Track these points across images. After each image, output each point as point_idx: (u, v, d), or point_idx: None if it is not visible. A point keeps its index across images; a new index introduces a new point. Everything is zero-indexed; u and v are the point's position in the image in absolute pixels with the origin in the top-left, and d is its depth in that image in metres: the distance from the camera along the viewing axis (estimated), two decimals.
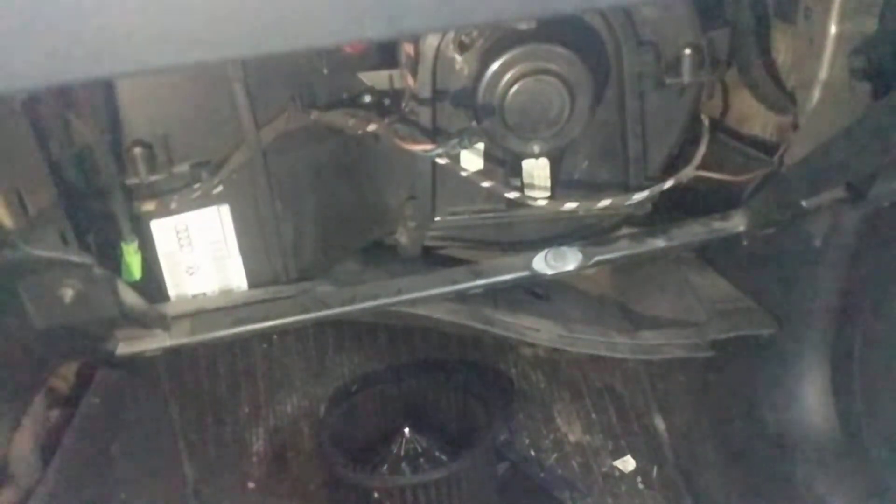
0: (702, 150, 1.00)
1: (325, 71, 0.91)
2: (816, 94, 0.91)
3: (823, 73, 0.89)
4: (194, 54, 0.38)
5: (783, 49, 1.01)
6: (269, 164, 0.91)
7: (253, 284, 0.98)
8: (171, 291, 0.95)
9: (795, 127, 1.00)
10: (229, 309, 0.94)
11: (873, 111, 0.82)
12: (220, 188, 0.90)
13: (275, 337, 1.37)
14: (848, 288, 1.03)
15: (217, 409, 1.27)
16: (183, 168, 0.88)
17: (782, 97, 1.02)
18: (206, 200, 0.91)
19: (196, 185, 0.89)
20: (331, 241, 1.01)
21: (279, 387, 1.34)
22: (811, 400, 1.10)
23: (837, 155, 0.87)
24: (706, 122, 1.03)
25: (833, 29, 0.85)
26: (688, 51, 0.92)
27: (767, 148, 1.06)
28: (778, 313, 1.10)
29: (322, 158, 0.96)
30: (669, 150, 1.01)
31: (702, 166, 1.00)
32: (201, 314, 0.93)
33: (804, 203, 0.90)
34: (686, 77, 0.92)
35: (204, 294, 0.97)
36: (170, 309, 0.94)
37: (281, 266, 0.98)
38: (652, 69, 0.93)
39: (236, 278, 0.97)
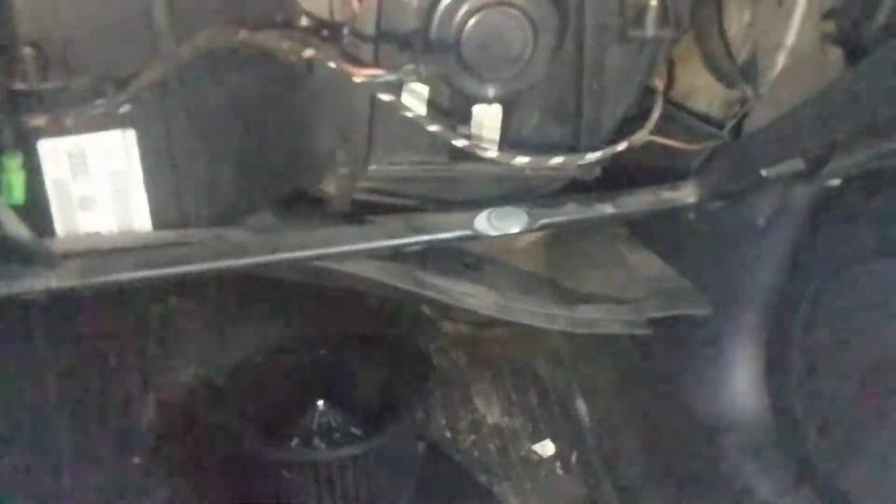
0: (656, 113, 0.95)
1: None
2: (781, 60, 0.87)
3: (791, 38, 0.85)
4: None
5: (736, 20, 0.97)
6: (186, 86, 0.79)
7: (158, 226, 0.85)
8: (59, 227, 0.82)
9: (743, 102, 0.97)
10: (129, 250, 0.82)
11: (845, 78, 0.79)
12: (126, 108, 0.77)
13: (171, 300, 1.24)
14: (790, 271, 1.01)
15: (101, 372, 1.13)
16: (83, 79, 0.75)
17: (734, 69, 0.98)
18: (108, 121, 0.78)
19: (98, 101, 0.76)
20: (251, 184, 0.90)
21: (173, 353, 1.21)
22: (743, 386, 1.08)
23: (802, 123, 0.83)
24: (660, 87, 0.98)
25: None
26: (653, 2, 0.86)
27: (713, 122, 1.02)
28: (714, 295, 1.07)
29: (247, 88, 0.84)
30: (623, 112, 0.95)
31: (654, 132, 0.95)
32: (95, 254, 0.80)
33: (764, 172, 0.86)
34: (650, 31, 0.86)
35: (98, 233, 0.83)
36: (56, 245, 0.80)
37: (192, 207, 0.86)
38: (615, 20, 0.87)
39: (139, 217, 0.84)
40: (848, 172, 0.86)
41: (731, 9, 0.97)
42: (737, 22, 0.97)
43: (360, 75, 0.75)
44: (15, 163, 0.72)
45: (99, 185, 0.81)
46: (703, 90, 1.05)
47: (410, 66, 0.75)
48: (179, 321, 1.23)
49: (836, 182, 0.91)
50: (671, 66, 1.05)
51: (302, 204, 0.98)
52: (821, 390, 0.97)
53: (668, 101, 1.05)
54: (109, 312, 1.13)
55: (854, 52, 0.81)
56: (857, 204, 0.89)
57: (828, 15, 0.83)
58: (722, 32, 0.98)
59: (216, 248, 0.84)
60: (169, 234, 0.85)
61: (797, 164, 0.87)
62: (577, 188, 1.00)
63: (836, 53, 0.82)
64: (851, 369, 0.93)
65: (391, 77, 0.76)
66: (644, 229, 1.17)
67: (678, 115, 1.04)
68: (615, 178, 1.00)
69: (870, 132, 0.78)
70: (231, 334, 1.25)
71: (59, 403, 1.09)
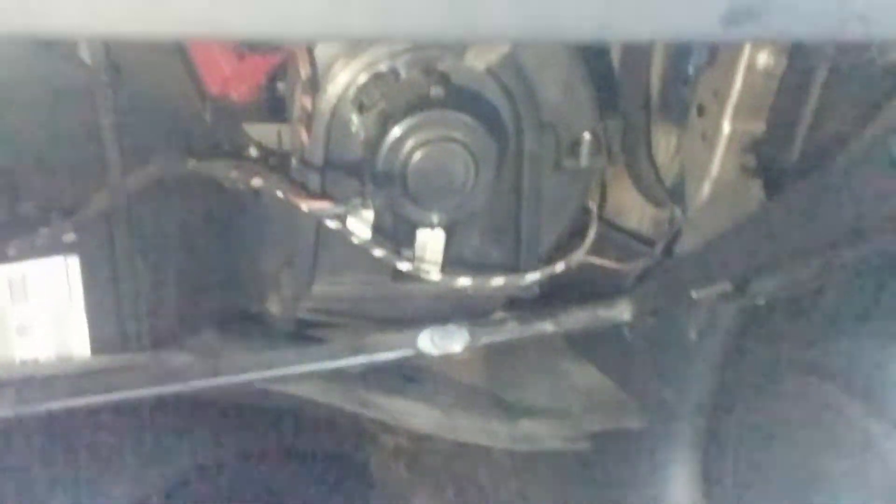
0: (591, 235, 0.99)
1: (208, 118, 0.82)
2: (707, 188, 0.93)
3: (715, 169, 0.91)
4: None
5: (664, 146, 1.04)
6: (134, 213, 0.80)
7: (97, 351, 0.84)
8: None
9: (672, 222, 1.02)
10: (65, 377, 0.80)
11: (764, 210, 0.85)
12: (71, 236, 0.78)
13: (104, 415, 1.20)
14: (722, 383, 1.04)
15: (28, 492, 1.08)
16: (29, 207, 0.75)
17: (662, 192, 1.04)
18: (52, 248, 0.78)
19: (43, 230, 0.76)
20: (193, 306, 0.90)
21: (105, 470, 1.17)
22: (681, 496, 1.09)
23: (726, 250, 0.88)
24: (594, 209, 1.03)
25: (726, 127, 0.88)
26: (587, 135, 0.91)
27: (644, 240, 1.07)
28: (650, 406, 1.10)
29: (194, 213, 0.86)
30: (559, 234, 0.99)
31: (590, 252, 0.99)
32: (31, 381, 0.78)
33: (694, 294, 0.90)
34: (584, 161, 0.92)
35: (35, 360, 0.82)
36: None
37: (133, 331, 0.85)
38: (551, 150, 0.92)
39: (77, 343, 0.83)
40: (772, 294, 0.90)
41: (658, 136, 1.03)
42: (664, 148, 1.03)
43: (307, 206, 0.77)
44: None
45: (38, 311, 0.80)
46: (633, 210, 1.11)
47: (357, 199, 0.78)
48: (112, 439, 1.19)
49: (761, 302, 0.96)
50: (604, 187, 1.11)
51: (244, 321, 0.98)
52: (756, 500, 1.00)
53: (602, 218, 1.10)
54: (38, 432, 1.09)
55: (772, 183, 0.87)
56: (782, 323, 0.94)
57: (748, 148, 0.88)
58: (650, 157, 1.03)
59: (155, 372, 0.83)
60: (107, 360, 0.84)
61: (724, 286, 0.91)
62: (517, 303, 1.03)
63: (755, 184, 0.87)
64: (783, 482, 0.96)
65: (338, 210, 0.78)
66: (583, 342, 1.19)
67: (611, 234, 1.08)
68: (556, 292, 1.04)
69: (788, 259, 0.83)
70: (166, 452, 1.22)
71: None
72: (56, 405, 0.78)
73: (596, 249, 1.02)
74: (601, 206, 1.10)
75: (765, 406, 0.98)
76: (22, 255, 0.77)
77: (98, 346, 0.84)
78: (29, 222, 0.76)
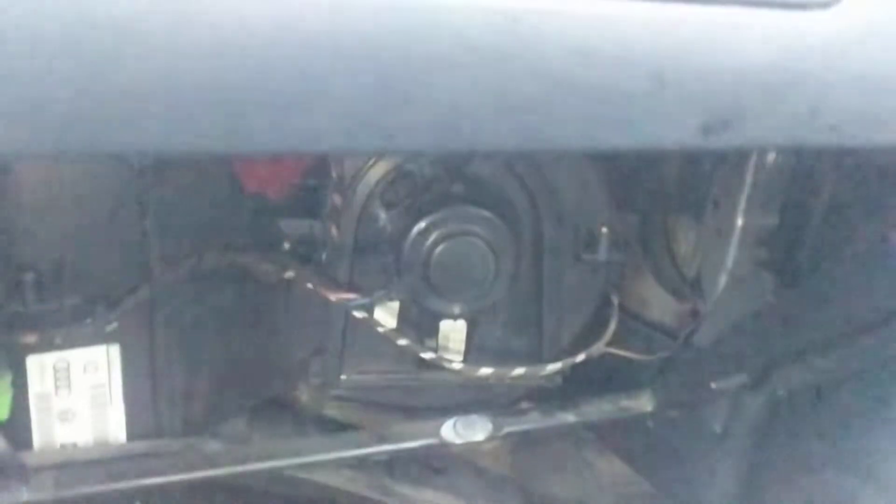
0: (612, 326, 1.01)
1: (246, 214, 0.88)
2: (722, 281, 0.95)
3: (729, 262, 0.93)
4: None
5: (683, 240, 1.06)
6: (173, 305, 0.85)
7: (133, 436, 0.88)
8: (37, 438, 0.84)
9: (695, 314, 1.04)
10: (102, 462, 0.84)
11: (778, 302, 0.87)
12: (113, 325, 0.82)
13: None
14: (748, 474, 1.04)
15: None
16: (75, 300, 0.80)
17: (683, 285, 1.06)
18: (95, 338, 0.83)
19: (88, 320, 0.81)
20: (225, 394, 0.93)
21: None
22: None
23: (743, 340, 0.89)
24: (615, 301, 1.05)
25: (739, 221, 0.90)
26: (605, 230, 0.95)
27: (667, 331, 1.09)
28: (677, 499, 1.09)
29: (229, 304, 0.90)
30: (581, 325, 1.01)
31: (611, 344, 1.01)
32: (69, 466, 0.82)
33: (714, 385, 0.92)
34: (602, 255, 0.95)
35: (75, 444, 0.86)
36: (31, 458, 0.82)
37: (167, 418, 0.89)
38: (569, 244, 0.96)
39: (115, 428, 0.87)
40: (791, 385, 0.91)
41: (678, 231, 1.06)
42: (684, 242, 1.06)
43: (336, 298, 0.82)
44: (4, 382, 0.76)
45: (79, 397, 0.84)
46: (656, 302, 1.13)
47: (382, 292, 0.81)
48: None
49: (783, 394, 0.96)
50: (626, 279, 1.13)
51: (273, 409, 1.01)
52: None
53: (624, 310, 1.12)
54: None
55: (785, 276, 0.89)
56: (805, 414, 0.94)
57: (761, 242, 0.91)
58: (670, 251, 1.06)
59: (187, 460, 0.86)
60: (142, 445, 0.87)
61: (743, 378, 0.92)
62: (540, 393, 1.04)
63: (768, 276, 0.90)
64: None
65: (364, 301, 0.82)
66: (609, 433, 1.20)
67: (634, 325, 1.10)
68: (578, 382, 1.05)
69: (804, 349, 0.84)
70: None
71: None
72: (92, 489, 0.81)
73: (619, 340, 1.04)
74: (624, 298, 1.13)
75: (791, 501, 0.97)
76: (67, 345, 0.82)
77: (134, 431, 0.87)
78: (75, 313, 0.80)
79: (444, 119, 0.34)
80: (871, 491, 0.83)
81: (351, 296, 0.83)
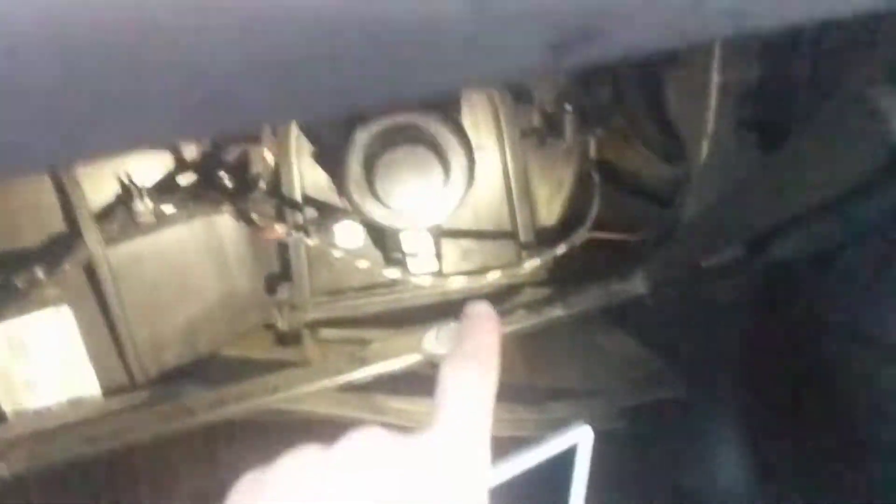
0: (594, 210, 0.94)
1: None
2: (705, 147, 0.86)
3: (710, 126, 0.84)
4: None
5: (672, 98, 0.97)
6: (114, 257, 0.80)
7: (107, 390, 0.86)
8: (8, 410, 0.82)
9: (688, 178, 0.96)
10: (76, 425, 0.82)
11: (763, 168, 0.78)
12: (56, 290, 0.79)
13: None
14: (758, 345, 0.98)
15: None
16: (12, 271, 0.76)
17: (672, 146, 0.97)
18: (42, 303, 0.79)
19: (28, 288, 0.77)
20: (196, 334, 0.90)
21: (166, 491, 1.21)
22: (727, 461, 1.05)
23: (731, 212, 0.82)
24: (597, 180, 0.97)
25: (716, 78, 0.81)
26: (569, 109, 0.86)
27: (664, 201, 1.01)
28: (688, 374, 1.05)
29: (177, 243, 0.85)
30: (560, 212, 0.94)
31: (598, 225, 0.95)
32: (42, 435, 0.80)
33: (703, 264, 0.85)
34: (568, 138, 0.86)
35: (49, 409, 0.84)
36: (5, 432, 0.81)
37: (138, 368, 0.86)
38: (532, 128, 0.87)
39: (88, 386, 0.85)
40: (789, 256, 0.84)
41: (665, 87, 0.96)
42: (672, 101, 0.97)
43: (272, 237, 0.76)
44: None
45: (41, 363, 0.82)
46: (649, 168, 1.04)
47: (318, 221, 0.75)
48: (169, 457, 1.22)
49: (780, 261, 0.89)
50: (616, 147, 1.05)
51: (256, 339, 0.98)
52: (803, 461, 0.94)
53: (617, 182, 1.04)
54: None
55: (768, 137, 0.80)
56: (806, 280, 0.87)
57: (742, 100, 0.81)
58: (656, 113, 0.97)
59: (164, 411, 0.83)
60: (115, 402, 0.85)
61: (737, 250, 0.85)
62: (530, 293, 0.99)
63: (751, 139, 0.81)
64: (831, 440, 0.90)
65: (300, 235, 0.76)
66: (617, 312, 1.15)
67: (623, 205, 1.03)
68: (571, 265, 0.99)
69: (800, 219, 0.76)
70: (223, 458, 1.24)
71: None
72: (69, 455, 0.80)
73: (611, 218, 0.97)
74: (616, 170, 1.04)
75: (800, 367, 0.92)
76: (14, 315, 0.79)
77: (107, 385, 0.85)
78: (15, 283, 0.77)
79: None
80: (873, 354, 0.77)
81: (285, 230, 0.77)
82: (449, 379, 0.40)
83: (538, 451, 0.49)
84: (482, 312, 0.44)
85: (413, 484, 0.33)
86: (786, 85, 0.79)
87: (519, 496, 0.49)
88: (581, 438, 0.52)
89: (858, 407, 0.83)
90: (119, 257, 0.81)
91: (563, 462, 0.52)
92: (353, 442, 0.35)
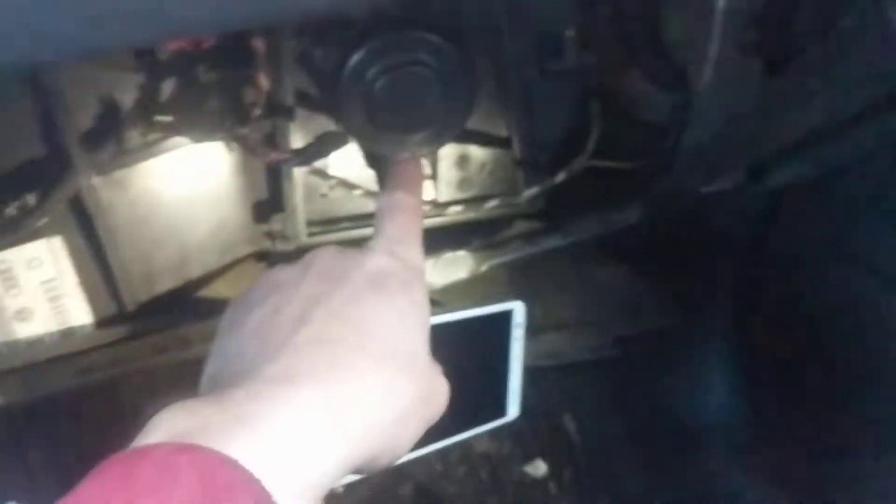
0: (593, 138, 0.92)
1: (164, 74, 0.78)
2: (708, 72, 0.84)
3: (714, 50, 0.82)
4: None
5: (671, 26, 0.94)
6: (104, 187, 0.78)
7: (100, 321, 0.85)
8: (0, 341, 0.81)
9: (687, 106, 0.94)
10: (69, 356, 0.81)
11: (766, 92, 0.77)
12: (46, 220, 0.77)
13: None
14: (752, 274, 0.99)
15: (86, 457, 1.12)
16: (2, 200, 0.74)
17: (674, 76, 0.95)
18: (31, 234, 0.77)
19: (17, 219, 0.75)
20: (189, 264, 0.89)
21: None
22: (719, 390, 1.06)
23: (732, 138, 0.81)
24: (596, 109, 0.96)
25: (721, 2, 0.79)
26: (570, 33, 0.83)
27: (663, 130, 1.00)
28: (682, 303, 1.06)
29: (167, 172, 0.83)
30: (559, 140, 0.93)
31: (596, 153, 0.93)
32: (35, 367, 0.79)
33: (702, 190, 0.84)
34: (570, 61, 0.84)
35: (41, 340, 0.83)
36: None
37: (130, 297, 0.85)
38: (533, 54, 0.85)
39: (79, 317, 0.84)
40: (790, 181, 0.83)
41: (664, 15, 0.94)
42: (671, 29, 0.94)
43: (266, 161, 0.74)
44: None
45: (32, 295, 0.80)
46: (649, 97, 1.02)
47: (315, 147, 0.73)
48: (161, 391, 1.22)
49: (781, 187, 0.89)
50: (614, 74, 1.03)
51: (253, 270, 0.97)
52: (791, 391, 0.96)
53: (616, 110, 1.03)
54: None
55: (775, 61, 0.78)
56: (805, 207, 0.87)
57: (748, 25, 0.79)
58: (656, 41, 0.95)
59: (157, 342, 0.83)
60: (108, 333, 0.84)
61: (737, 176, 0.85)
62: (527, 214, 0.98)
63: (755, 65, 0.79)
64: (816, 368, 0.91)
65: (296, 160, 0.74)
66: (611, 242, 1.14)
67: (622, 134, 1.01)
68: (569, 194, 0.98)
69: (801, 142, 0.76)
70: None
71: None
72: (63, 386, 0.80)
73: (610, 147, 0.96)
74: (609, 103, 1.02)
75: (793, 293, 0.93)
76: (3, 247, 0.77)
77: (100, 316, 0.84)
78: (3, 214, 0.75)
79: None
80: (873, 283, 0.78)
81: (282, 156, 0.75)
82: (385, 208, 0.53)
83: (470, 310, 0.55)
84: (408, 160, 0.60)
85: (365, 288, 0.40)
86: (793, 8, 0.77)
87: (455, 347, 0.53)
88: (515, 308, 0.57)
89: (860, 339, 0.84)
90: (109, 187, 0.79)
91: (497, 330, 0.58)
92: (314, 258, 0.43)
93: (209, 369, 0.42)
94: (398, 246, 0.46)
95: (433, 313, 0.46)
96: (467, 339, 0.56)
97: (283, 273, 0.42)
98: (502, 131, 0.89)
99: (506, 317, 0.57)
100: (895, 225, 0.76)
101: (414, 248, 0.48)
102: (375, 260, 0.43)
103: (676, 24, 0.93)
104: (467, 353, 0.57)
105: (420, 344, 0.42)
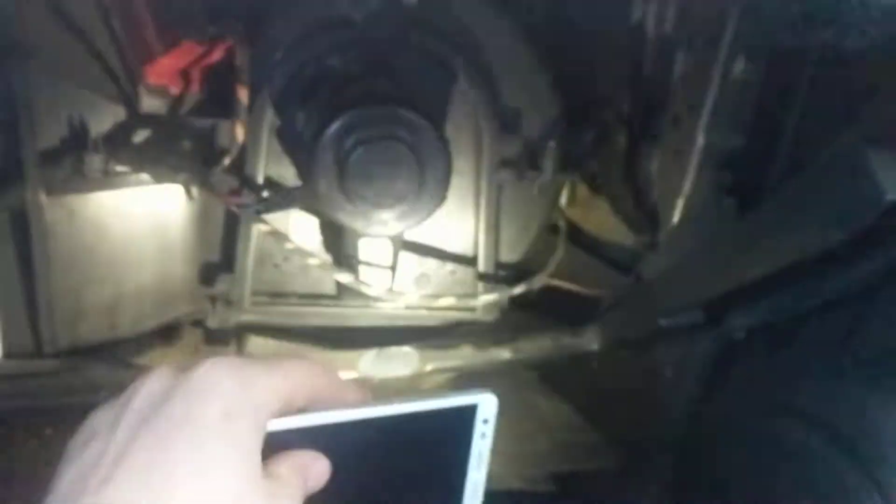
0: (557, 256, 0.92)
1: (141, 108, 0.77)
2: (680, 207, 0.85)
3: (688, 187, 0.84)
4: None
5: (643, 168, 0.97)
6: (51, 207, 0.74)
7: (11, 355, 0.78)
8: None
9: (653, 247, 0.95)
10: None
11: (736, 227, 0.77)
12: None
13: (47, 431, 1.13)
14: (700, 420, 0.96)
15: None
16: None
17: (641, 216, 0.96)
18: None
19: None
20: (119, 313, 0.83)
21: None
22: None
23: (698, 273, 0.80)
24: (563, 228, 0.96)
25: (700, 140, 0.81)
26: (552, 145, 0.84)
27: (621, 265, 1.00)
28: (624, 445, 1.01)
29: (121, 208, 0.80)
30: (523, 253, 0.92)
31: (556, 275, 0.92)
32: None
33: (662, 323, 0.83)
34: (548, 173, 0.85)
35: None
36: None
37: (49, 337, 0.78)
38: (513, 160, 0.85)
39: None
40: (748, 325, 0.82)
41: (640, 157, 0.96)
42: (644, 170, 0.96)
43: (228, 203, 0.71)
44: None
45: None
46: (613, 231, 1.03)
47: (279, 197, 0.71)
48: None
49: (740, 335, 0.87)
50: (583, 203, 1.04)
51: (182, 335, 0.92)
52: None
53: (580, 238, 1.03)
54: None
55: (749, 203, 0.79)
56: (760, 359, 0.85)
57: (723, 164, 0.81)
58: (630, 179, 0.96)
59: (68, 382, 0.76)
60: (17, 364, 0.77)
61: (696, 315, 0.83)
62: (479, 327, 0.95)
63: (730, 204, 0.80)
64: None
65: (258, 205, 0.72)
66: (553, 372, 1.11)
67: (583, 259, 1.01)
68: (523, 315, 0.96)
69: (763, 286, 0.75)
70: None
71: None
72: None
73: (570, 272, 0.95)
74: (575, 229, 1.03)
75: (738, 450, 0.89)
76: None
77: (12, 349, 0.78)
78: None
79: None
80: (823, 442, 0.75)
81: (244, 199, 0.73)
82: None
83: (426, 400, 0.46)
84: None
85: (175, 433, 0.37)
86: (769, 150, 0.79)
87: (405, 446, 0.46)
88: (483, 402, 0.48)
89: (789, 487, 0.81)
90: (57, 209, 0.75)
91: (459, 425, 0.49)
92: (136, 390, 0.39)
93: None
94: (238, 358, 0.40)
95: (382, 402, 0.42)
96: (421, 437, 0.49)
97: (100, 418, 0.39)
98: (469, 234, 0.88)
99: (469, 412, 0.49)
100: (851, 380, 0.74)
101: (258, 364, 0.40)
102: (200, 377, 0.38)
103: (653, 159, 0.96)
104: (420, 455, 0.50)
105: (237, 480, 0.37)
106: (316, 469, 0.41)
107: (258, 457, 0.38)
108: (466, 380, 1.02)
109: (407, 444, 0.46)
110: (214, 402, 0.38)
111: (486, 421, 0.48)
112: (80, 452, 0.38)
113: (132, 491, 0.35)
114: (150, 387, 0.39)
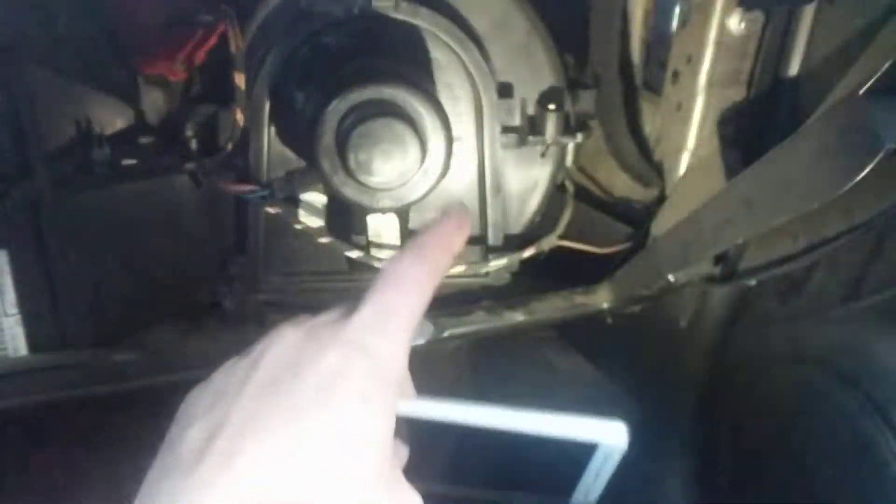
0: (565, 218, 0.92)
1: (140, 99, 0.78)
2: (684, 162, 0.85)
3: (691, 141, 0.83)
4: None
5: (650, 120, 0.96)
6: (61, 203, 0.76)
7: (35, 349, 0.80)
8: None
9: (661, 200, 0.95)
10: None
11: (739, 180, 0.77)
12: None
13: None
14: (716, 371, 0.97)
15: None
16: None
17: (648, 169, 0.96)
18: None
19: None
20: (139, 302, 0.85)
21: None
22: (675, 494, 1.02)
23: (705, 227, 0.80)
24: (570, 189, 0.96)
25: (701, 94, 0.80)
26: (552, 107, 0.84)
27: (633, 220, 1.00)
28: (643, 398, 1.03)
29: (131, 200, 0.81)
30: (531, 216, 0.92)
31: (566, 236, 0.93)
32: None
33: (671, 278, 0.83)
34: (549, 136, 0.85)
35: None
36: None
37: (73, 330, 0.81)
38: (513, 125, 0.85)
39: (12, 342, 0.79)
40: (760, 275, 0.83)
41: (643, 108, 0.96)
42: (648, 120, 0.96)
43: (235, 191, 0.72)
44: None
45: None
46: (621, 187, 1.03)
47: (284, 183, 0.72)
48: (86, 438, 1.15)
49: (752, 283, 0.88)
50: (590, 160, 1.03)
51: (203, 316, 0.94)
52: (750, 495, 0.92)
53: (589, 196, 1.03)
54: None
55: (752, 153, 0.79)
56: (774, 305, 0.86)
57: (726, 118, 0.81)
58: (635, 132, 0.96)
59: (94, 372, 0.78)
60: (44, 359, 0.79)
61: (707, 267, 0.84)
62: (491, 291, 0.96)
63: (734, 156, 0.80)
64: (773, 477, 0.88)
65: (264, 193, 0.72)
66: (570, 330, 1.13)
67: (593, 216, 1.01)
68: (535, 276, 0.97)
69: (771, 234, 0.75)
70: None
71: None
72: None
73: (579, 231, 0.96)
74: (583, 186, 1.03)
75: (754, 397, 0.90)
76: None
77: (36, 344, 0.80)
78: None
79: None
80: (837, 386, 0.76)
81: (249, 187, 0.73)
82: (383, 273, 0.42)
83: (550, 419, 0.45)
84: (456, 213, 0.44)
85: (309, 402, 0.35)
86: (773, 103, 0.78)
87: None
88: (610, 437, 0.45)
89: (820, 440, 0.82)
90: (69, 205, 0.76)
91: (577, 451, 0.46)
92: (269, 346, 0.38)
93: (152, 475, 0.36)
94: (373, 335, 0.38)
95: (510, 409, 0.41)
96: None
97: (230, 374, 0.38)
98: (474, 201, 0.89)
99: (592, 447, 0.46)
100: (861, 325, 0.75)
101: (394, 338, 0.39)
102: (333, 357, 0.37)
103: (652, 115, 0.95)
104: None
105: (371, 468, 0.35)
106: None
107: (390, 450, 0.37)
108: (472, 353, 1.04)
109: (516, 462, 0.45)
110: (353, 375, 0.36)
111: (609, 455, 0.45)
112: (205, 413, 0.36)
113: (260, 465, 0.34)
114: (282, 343, 0.39)
